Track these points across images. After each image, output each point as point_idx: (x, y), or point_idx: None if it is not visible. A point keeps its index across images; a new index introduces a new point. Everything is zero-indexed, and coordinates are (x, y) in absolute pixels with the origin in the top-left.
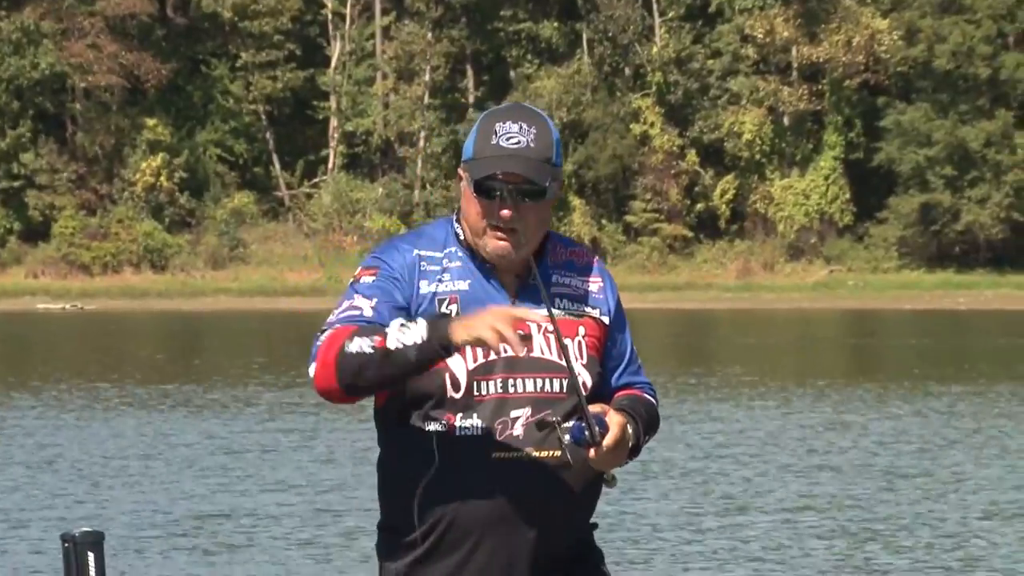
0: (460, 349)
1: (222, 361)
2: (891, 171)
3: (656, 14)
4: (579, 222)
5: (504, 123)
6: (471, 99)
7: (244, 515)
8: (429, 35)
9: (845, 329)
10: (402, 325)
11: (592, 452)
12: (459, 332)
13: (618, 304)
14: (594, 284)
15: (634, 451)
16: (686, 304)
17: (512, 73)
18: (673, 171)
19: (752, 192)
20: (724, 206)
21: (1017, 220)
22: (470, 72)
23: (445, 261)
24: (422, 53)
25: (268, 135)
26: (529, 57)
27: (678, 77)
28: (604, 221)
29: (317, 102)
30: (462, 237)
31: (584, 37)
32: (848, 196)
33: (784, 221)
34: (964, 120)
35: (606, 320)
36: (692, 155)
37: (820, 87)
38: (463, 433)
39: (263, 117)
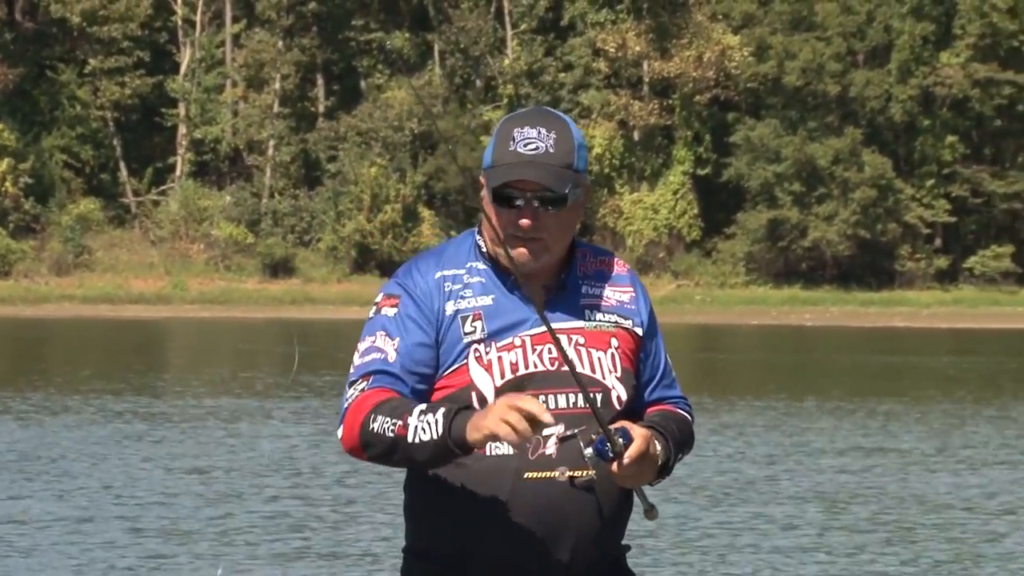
0: (480, 447)
1: (59, 368)
2: (740, 187)
3: (508, 26)
4: (428, 234)
5: (523, 128)
6: (321, 108)
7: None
8: (280, 43)
9: (691, 343)
10: (422, 413)
11: (615, 466)
12: (472, 433)
13: (651, 315)
14: (626, 294)
15: (664, 470)
16: None
17: (363, 83)
18: None
19: (602, 206)
20: None
21: (863, 237)
22: (320, 81)
23: (467, 277)
24: (272, 62)
25: (115, 141)
26: (380, 67)
27: (529, 90)
28: (453, 233)
29: (166, 109)
30: (484, 249)
31: (436, 48)
32: (696, 211)
33: (633, 235)
34: (813, 137)
35: (639, 331)
36: None
37: (671, 102)
38: (494, 452)
39: (111, 123)
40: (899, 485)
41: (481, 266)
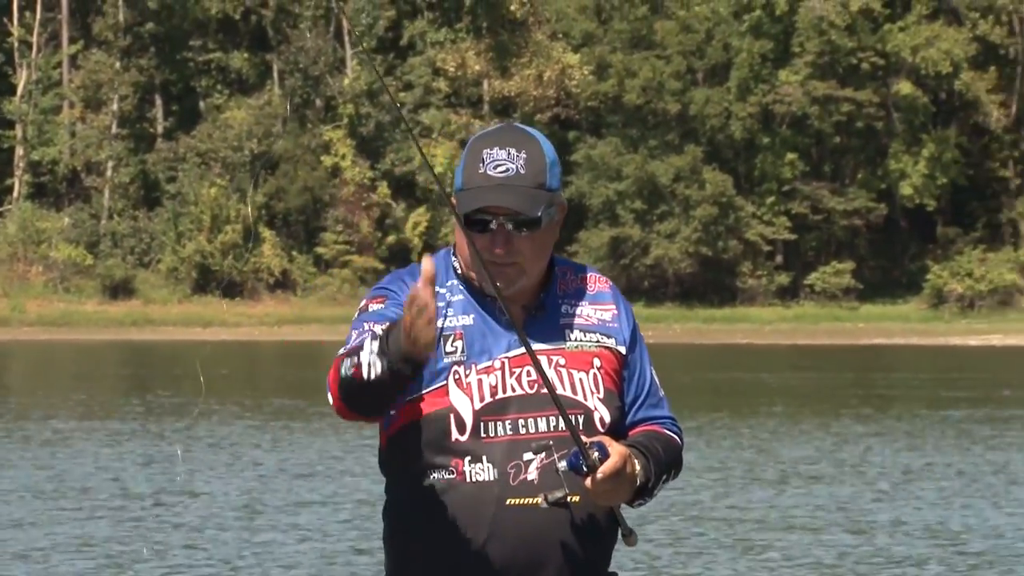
0: (418, 352)
1: None
2: (581, 205)
3: (348, 46)
4: (269, 254)
5: (492, 149)
6: (160, 129)
7: None
8: (117, 64)
9: None
10: (369, 348)
11: (588, 481)
12: (404, 342)
13: (635, 332)
14: (608, 312)
15: (644, 492)
16: None
17: (202, 103)
18: (364, 203)
19: (444, 225)
20: (416, 239)
21: (705, 255)
22: (159, 102)
23: (448, 295)
24: (110, 82)
25: None
26: (219, 88)
27: (369, 109)
28: (295, 253)
29: (2, 131)
30: (459, 270)
31: (275, 68)
32: None
33: None
34: (654, 155)
35: (623, 350)
36: (384, 187)
37: (511, 121)
38: (474, 479)
39: None
40: (715, 500)
41: (460, 285)
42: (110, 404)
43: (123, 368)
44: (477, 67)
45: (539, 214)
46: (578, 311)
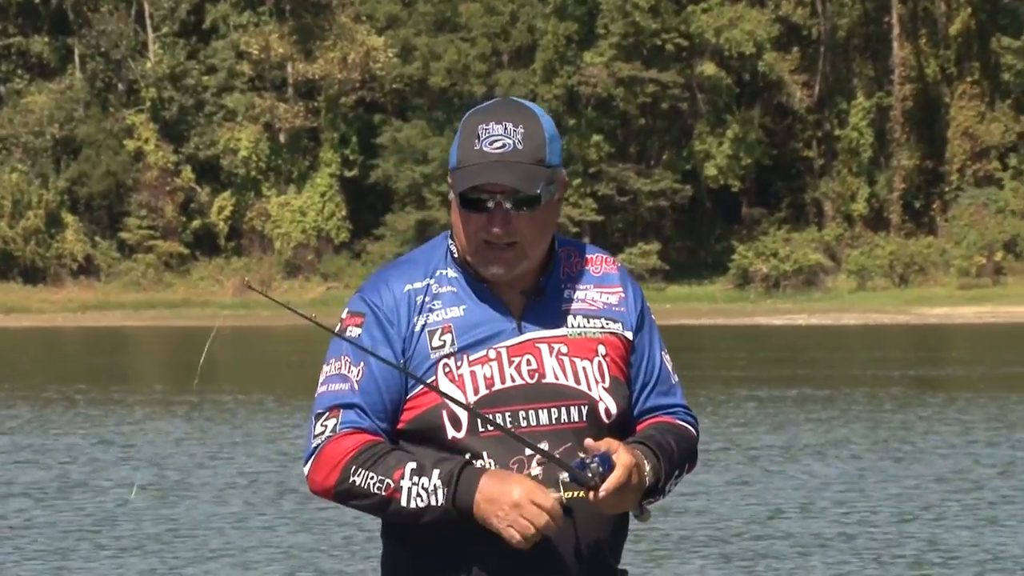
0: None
1: None
2: (388, 188)
3: (150, 29)
4: (73, 239)
5: (488, 124)
6: None
7: None
8: None
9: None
10: (414, 473)
11: (591, 495)
12: (486, 513)
13: (643, 315)
14: (614, 295)
15: (655, 491)
16: (182, 321)
17: (2, 88)
18: (168, 188)
19: (249, 209)
20: (222, 223)
21: None
22: None
23: (436, 287)
24: None
25: None
26: (19, 72)
27: (173, 93)
28: (98, 238)
29: None
30: (457, 255)
31: (76, 52)
32: (345, 213)
33: (281, 238)
34: None
35: (629, 335)
36: (188, 171)
37: (316, 104)
38: None
39: None
40: None
41: (452, 273)
42: None
43: None
44: (281, 50)
45: (538, 191)
46: (582, 295)
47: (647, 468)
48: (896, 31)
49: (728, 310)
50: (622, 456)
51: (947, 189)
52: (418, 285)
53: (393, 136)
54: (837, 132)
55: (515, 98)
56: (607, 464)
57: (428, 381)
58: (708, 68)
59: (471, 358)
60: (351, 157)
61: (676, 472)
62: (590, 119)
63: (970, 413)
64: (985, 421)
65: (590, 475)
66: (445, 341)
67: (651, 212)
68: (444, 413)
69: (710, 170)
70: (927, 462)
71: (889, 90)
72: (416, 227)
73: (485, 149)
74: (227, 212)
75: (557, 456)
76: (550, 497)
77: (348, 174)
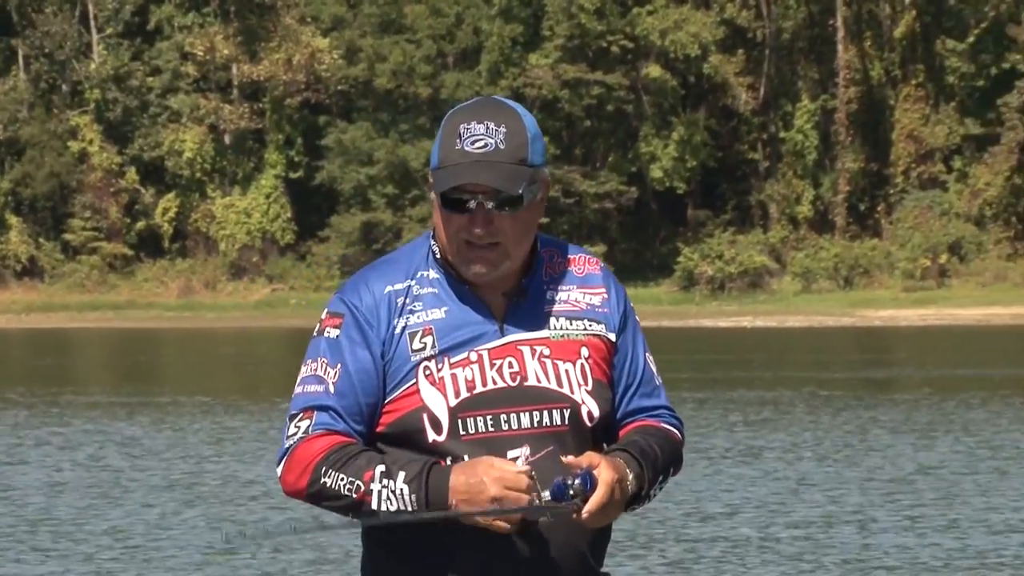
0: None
1: None
2: (333, 190)
3: (94, 30)
4: (16, 240)
5: (469, 123)
6: None
7: None
8: None
9: (285, 349)
10: (384, 476)
11: (574, 515)
12: (461, 504)
13: (626, 316)
14: (597, 296)
15: (638, 499)
16: (127, 323)
17: None
18: (113, 189)
19: (194, 211)
20: (166, 224)
21: None
22: None
23: (416, 288)
24: None
25: None
26: None
27: (117, 94)
28: (42, 240)
29: None
30: (439, 255)
31: (20, 53)
32: (290, 215)
33: (226, 240)
34: (405, 139)
35: (613, 336)
36: (132, 173)
37: (261, 105)
38: None
39: None
40: None
41: (433, 275)
42: None
43: None
44: (226, 51)
45: (520, 191)
46: (565, 296)
47: (630, 477)
48: (841, 34)
49: (673, 312)
50: (604, 473)
51: (892, 192)
52: (399, 286)
53: (338, 138)
54: (782, 134)
55: (497, 97)
56: (589, 482)
57: (409, 384)
58: (653, 70)
59: (452, 360)
60: (296, 159)
61: (660, 478)
62: (536, 121)
63: (913, 415)
64: (927, 423)
65: (572, 494)
66: (426, 343)
67: (597, 214)
68: (424, 416)
69: (655, 172)
70: (868, 464)
71: (834, 93)
72: (361, 229)
73: (466, 149)
74: (172, 213)
75: (536, 490)
76: (522, 476)
77: (293, 176)
